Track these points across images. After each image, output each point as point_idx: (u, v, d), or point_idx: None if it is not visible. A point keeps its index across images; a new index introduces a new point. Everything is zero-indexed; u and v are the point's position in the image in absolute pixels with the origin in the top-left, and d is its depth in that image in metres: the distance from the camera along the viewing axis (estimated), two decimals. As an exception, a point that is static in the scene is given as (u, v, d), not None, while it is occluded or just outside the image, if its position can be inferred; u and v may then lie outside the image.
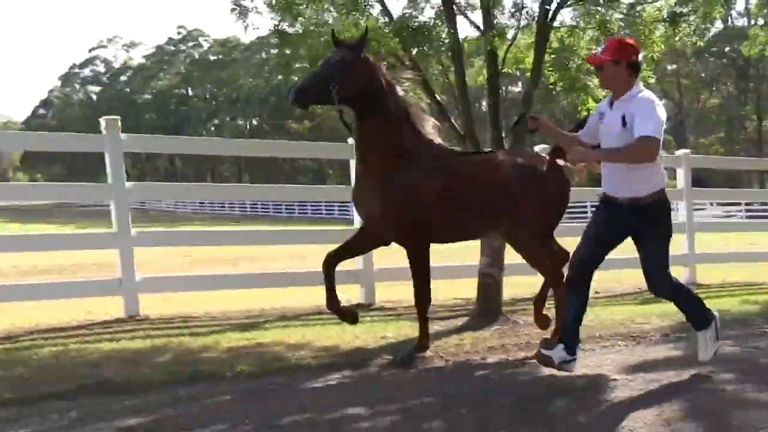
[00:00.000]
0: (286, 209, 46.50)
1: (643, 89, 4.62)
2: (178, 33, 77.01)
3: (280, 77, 40.43)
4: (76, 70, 79.54)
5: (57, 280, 8.74)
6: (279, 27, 7.08)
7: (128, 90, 74.93)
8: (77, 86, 79.04)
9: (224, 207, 47.24)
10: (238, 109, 66.26)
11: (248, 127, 68.00)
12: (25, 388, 4.42)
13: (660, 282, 4.72)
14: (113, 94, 73.96)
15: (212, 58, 73.81)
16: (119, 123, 6.79)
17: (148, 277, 7.17)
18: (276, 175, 55.05)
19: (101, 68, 79.72)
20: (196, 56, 75.59)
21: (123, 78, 78.06)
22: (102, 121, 6.77)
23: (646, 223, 4.61)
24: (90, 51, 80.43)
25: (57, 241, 8.75)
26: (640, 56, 4.72)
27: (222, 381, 4.70)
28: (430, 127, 5.36)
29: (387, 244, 5.52)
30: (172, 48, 76.95)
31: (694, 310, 4.81)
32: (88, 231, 7.75)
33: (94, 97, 76.48)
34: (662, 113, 4.47)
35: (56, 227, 25.18)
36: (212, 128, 66.13)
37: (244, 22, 7.10)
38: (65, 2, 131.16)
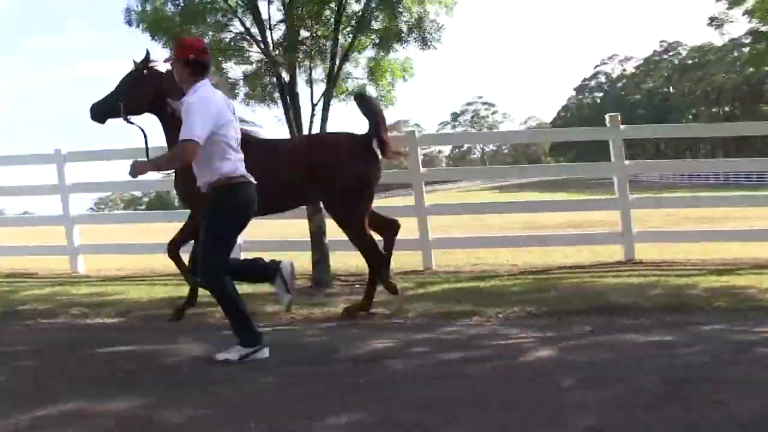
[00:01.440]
0: (758, 177, 39.10)
1: (200, 88, 3.41)
2: (660, 45, 71.24)
3: (751, 69, 34.44)
4: (586, 82, 79.32)
5: (572, 232, 8.65)
6: (757, 30, 6.01)
7: (623, 93, 71.67)
8: (587, 93, 78.84)
9: (700, 177, 41.88)
10: (713, 100, 58.45)
11: (721, 113, 59.29)
12: (554, 305, 4.56)
13: (203, 268, 3.48)
14: (612, 97, 71.11)
15: (689, 62, 66.39)
16: (619, 118, 6.47)
17: (642, 231, 6.81)
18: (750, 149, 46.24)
19: (603, 79, 78.10)
20: (676, 62, 69.04)
21: (619, 85, 75.19)
22: (607, 117, 6.52)
23: (207, 209, 3.51)
24: (595, 68, 79.58)
25: (569, 205, 8.80)
26: (201, 55, 3.45)
27: (701, 312, 4.22)
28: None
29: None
30: (656, 58, 71.43)
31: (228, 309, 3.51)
32: (594, 197, 7.57)
33: (598, 101, 74.90)
34: (205, 112, 3.31)
35: (567, 195, 25.34)
36: (690, 117, 59.13)
37: (719, 30, 6.24)
38: (577, 32, 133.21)
